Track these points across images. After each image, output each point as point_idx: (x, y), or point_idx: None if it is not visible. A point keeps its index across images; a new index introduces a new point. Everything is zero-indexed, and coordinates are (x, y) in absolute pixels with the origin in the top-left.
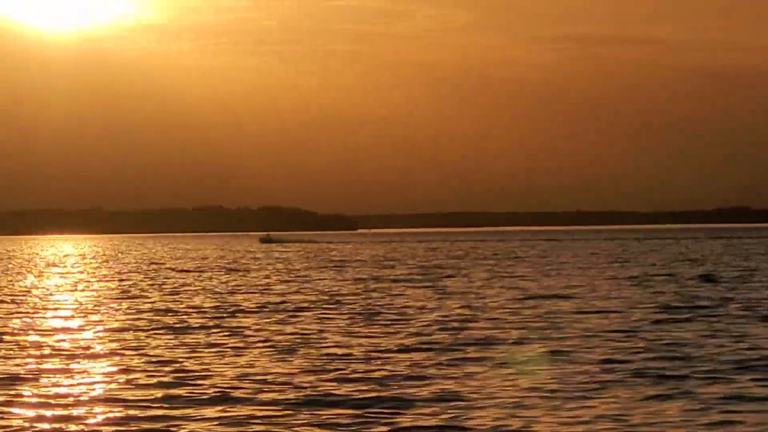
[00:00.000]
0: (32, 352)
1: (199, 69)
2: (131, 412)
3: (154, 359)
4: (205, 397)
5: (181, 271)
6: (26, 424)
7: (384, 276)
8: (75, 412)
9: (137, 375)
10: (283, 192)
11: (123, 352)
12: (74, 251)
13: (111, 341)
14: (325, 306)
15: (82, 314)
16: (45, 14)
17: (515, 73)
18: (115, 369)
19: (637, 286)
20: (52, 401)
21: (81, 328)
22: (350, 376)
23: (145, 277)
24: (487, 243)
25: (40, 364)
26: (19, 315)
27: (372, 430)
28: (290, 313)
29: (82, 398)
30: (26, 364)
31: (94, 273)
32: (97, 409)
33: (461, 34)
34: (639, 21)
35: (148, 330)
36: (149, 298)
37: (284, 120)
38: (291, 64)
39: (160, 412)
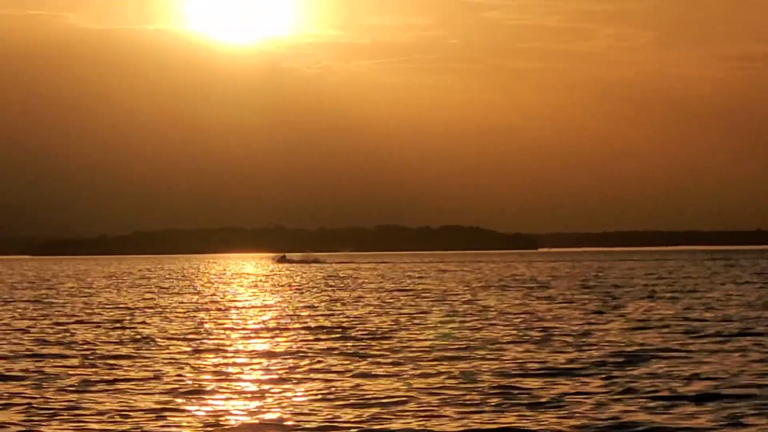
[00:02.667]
0: None
1: (379, 87)
2: None
3: None
4: None
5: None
6: None
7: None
8: None
9: None
10: (464, 211)
11: None
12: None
13: None
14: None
15: None
16: (229, 28)
17: (696, 92)
18: None
19: None
20: None
21: None
22: None
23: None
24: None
25: None
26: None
27: None
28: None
29: None
30: None
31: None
32: None
33: (642, 52)
34: None
35: None
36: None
37: (464, 139)
38: (472, 82)
39: None
